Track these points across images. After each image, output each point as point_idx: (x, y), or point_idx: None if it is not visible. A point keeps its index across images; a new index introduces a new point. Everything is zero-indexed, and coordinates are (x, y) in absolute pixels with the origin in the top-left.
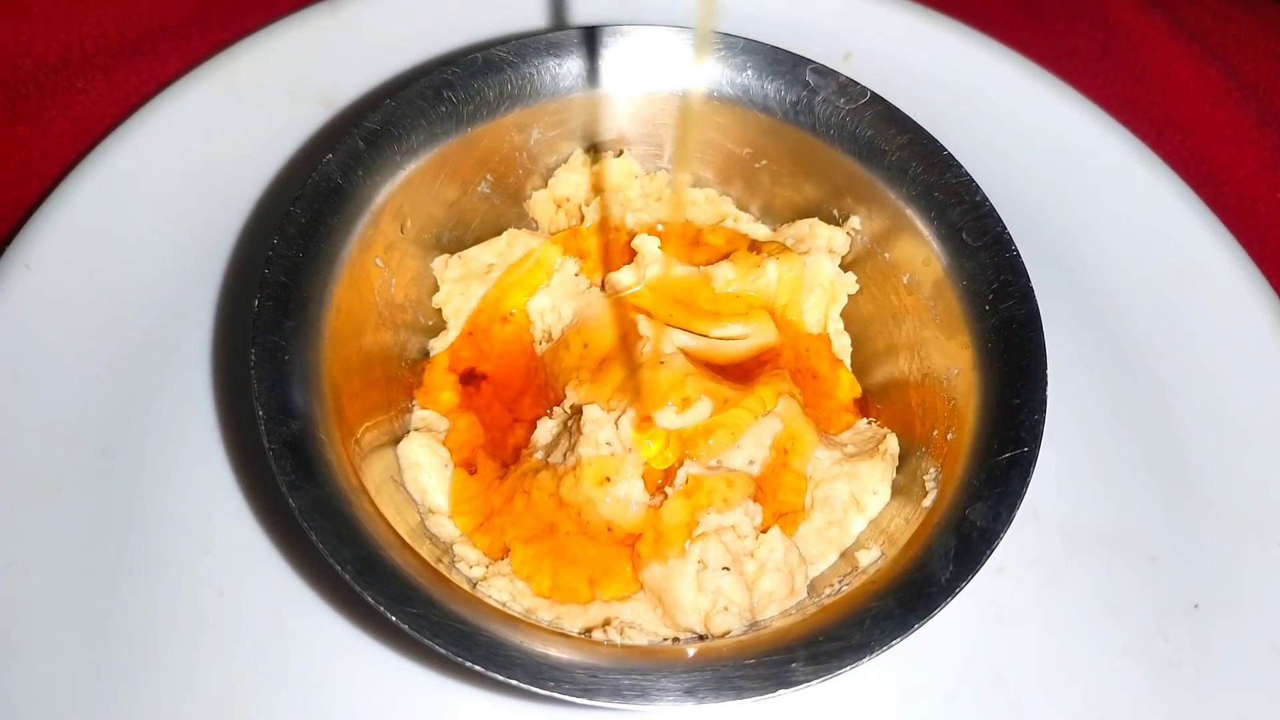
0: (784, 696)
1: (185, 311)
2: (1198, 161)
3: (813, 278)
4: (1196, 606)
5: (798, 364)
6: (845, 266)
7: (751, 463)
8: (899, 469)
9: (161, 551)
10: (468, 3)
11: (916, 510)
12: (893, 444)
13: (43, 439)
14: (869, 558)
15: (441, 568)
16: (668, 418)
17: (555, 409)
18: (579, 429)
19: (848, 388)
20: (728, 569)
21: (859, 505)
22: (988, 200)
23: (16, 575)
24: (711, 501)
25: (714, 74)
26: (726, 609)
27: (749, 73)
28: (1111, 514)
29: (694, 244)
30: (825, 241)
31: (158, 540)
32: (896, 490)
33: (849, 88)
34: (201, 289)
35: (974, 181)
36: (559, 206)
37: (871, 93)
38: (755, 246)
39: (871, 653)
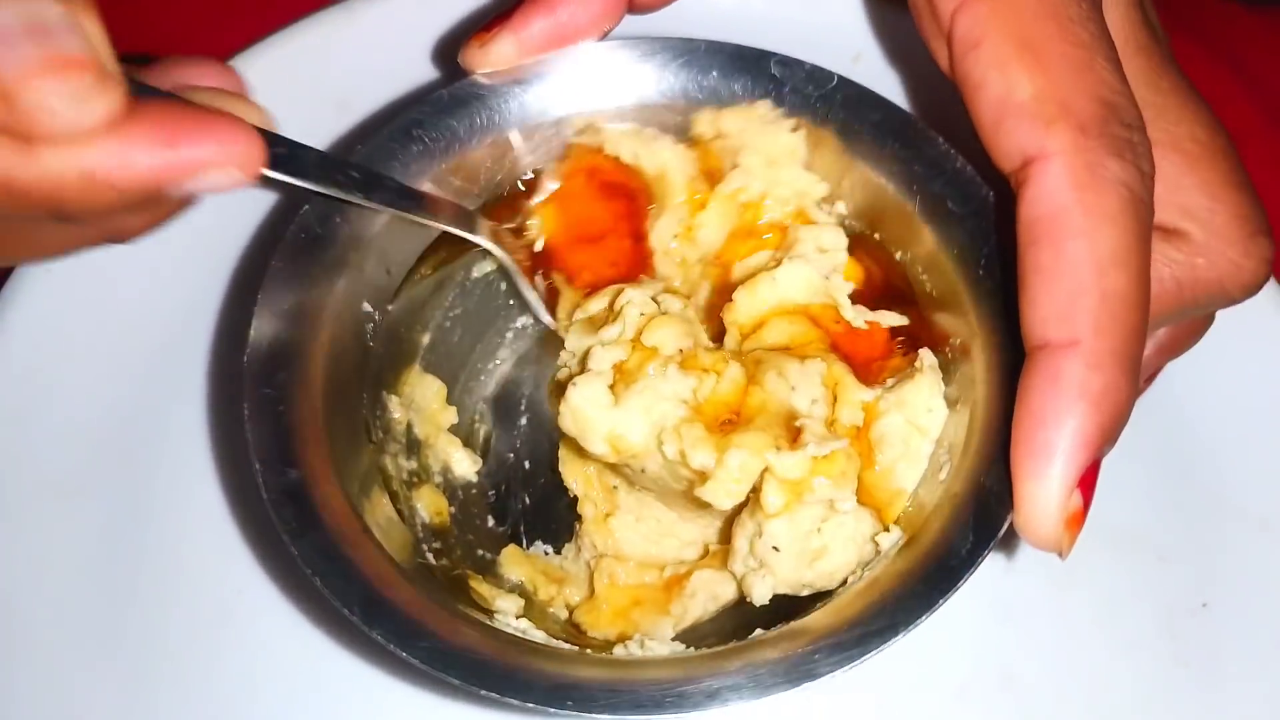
0: (808, 689)
1: (201, 313)
2: None
3: (805, 287)
4: (1205, 605)
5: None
6: None
7: (814, 402)
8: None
9: (179, 551)
10: (485, 5)
11: (935, 484)
12: (928, 357)
13: (64, 439)
14: (889, 540)
15: (452, 601)
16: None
17: None
18: None
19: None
20: (777, 550)
21: (920, 430)
22: (968, 166)
23: (38, 573)
24: (832, 475)
25: (681, 80)
26: (764, 577)
27: (714, 74)
28: (1119, 512)
29: None
30: (812, 245)
31: (175, 540)
32: (950, 401)
33: (815, 74)
34: (219, 288)
35: (953, 150)
36: None
37: (839, 76)
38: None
39: (899, 633)
